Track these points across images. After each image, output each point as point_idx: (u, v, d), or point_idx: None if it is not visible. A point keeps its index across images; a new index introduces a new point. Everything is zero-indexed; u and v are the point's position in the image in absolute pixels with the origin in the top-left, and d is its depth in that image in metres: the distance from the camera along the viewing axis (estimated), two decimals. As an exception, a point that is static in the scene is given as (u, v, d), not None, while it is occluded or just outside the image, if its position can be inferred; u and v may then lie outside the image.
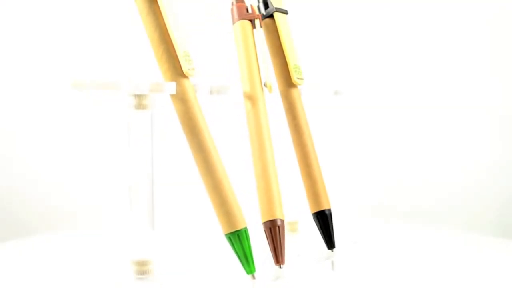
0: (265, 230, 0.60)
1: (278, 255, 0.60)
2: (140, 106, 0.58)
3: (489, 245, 0.83)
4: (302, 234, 0.76)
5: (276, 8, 0.69)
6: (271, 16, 0.69)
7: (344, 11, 1.10)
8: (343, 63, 1.10)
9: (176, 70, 0.58)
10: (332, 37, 1.10)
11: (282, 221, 0.61)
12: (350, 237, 0.74)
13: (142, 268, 0.58)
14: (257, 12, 0.68)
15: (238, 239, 0.57)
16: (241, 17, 0.66)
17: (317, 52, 1.07)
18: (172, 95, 0.58)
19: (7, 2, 1.07)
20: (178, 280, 0.62)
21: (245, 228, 0.57)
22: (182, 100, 0.57)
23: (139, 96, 0.58)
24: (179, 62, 0.58)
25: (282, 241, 0.60)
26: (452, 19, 1.11)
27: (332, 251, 0.66)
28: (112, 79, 0.57)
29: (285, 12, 0.69)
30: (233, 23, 0.67)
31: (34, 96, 1.08)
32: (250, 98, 0.64)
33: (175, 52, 0.58)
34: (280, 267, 0.60)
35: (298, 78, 0.67)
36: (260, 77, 0.65)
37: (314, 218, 0.66)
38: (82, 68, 1.06)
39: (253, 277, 0.58)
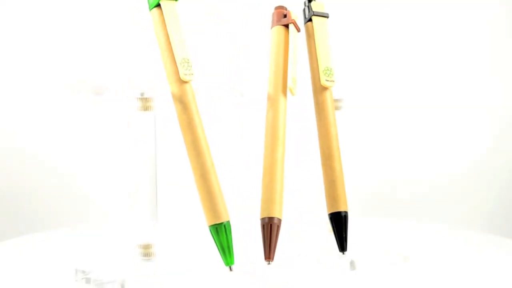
0: (261, 226, 0.62)
1: (267, 252, 0.61)
2: (144, 108, 0.64)
3: (489, 243, 0.83)
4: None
5: (314, 12, 0.71)
6: (310, 20, 0.71)
7: (342, 11, 1.10)
8: (343, 62, 1.10)
9: (176, 74, 0.62)
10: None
11: (279, 220, 0.62)
12: (349, 237, 0.74)
13: (146, 251, 0.65)
14: (292, 17, 0.70)
15: (216, 231, 0.60)
16: (277, 23, 0.70)
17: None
18: (172, 97, 0.62)
19: (18, 4, 1.07)
20: (177, 279, 0.63)
21: (228, 221, 0.61)
22: (180, 102, 0.62)
23: (143, 98, 0.64)
24: None
25: (274, 238, 0.62)
26: (452, 19, 1.11)
27: (343, 253, 0.66)
28: (102, 83, 0.63)
29: (325, 15, 0.71)
30: (271, 28, 0.71)
31: (38, 96, 1.08)
32: (270, 98, 0.67)
33: None
34: (269, 263, 0.61)
35: (327, 80, 0.69)
36: (285, 80, 0.67)
37: (329, 219, 0.67)
38: (80, 69, 1.06)
39: (230, 269, 0.60)
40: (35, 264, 0.73)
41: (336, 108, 0.74)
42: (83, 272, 0.63)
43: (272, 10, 0.72)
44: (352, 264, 0.67)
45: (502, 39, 1.11)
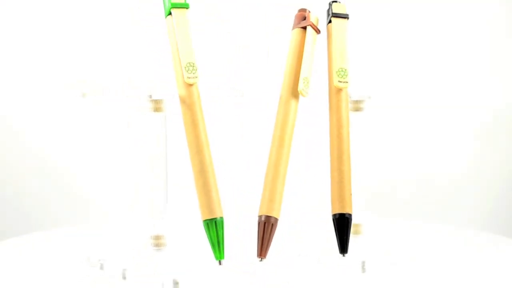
0: (257, 223, 0.63)
1: (259, 248, 0.63)
2: (155, 109, 0.68)
3: (489, 243, 0.83)
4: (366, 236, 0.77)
5: (333, 13, 0.72)
6: (331, 21, 0.72)
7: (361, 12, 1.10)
8: (359, 63, 1.10)
9: (182, 77, 0.65)
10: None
11: (276, 219, 0.63)
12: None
13: (157, 241, 0.69)
14: (310, 19, 0.71)
15: (207, 226, 0.62)
16: (297, 25, 0.71)
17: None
18: (179, 98, 0.65)
19: (21, 4, 1.07)
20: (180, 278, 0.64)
21: (221, 218, 0.63)
22: (184, 102, 0.65)
23: (154, 100, 0.67)
24: None
25: (268, 236, 0.63)
26: (452, 19, 1.11)
27: (343, 255, 0.66)
28: (102, 83, 0.66)
29: (344, 17, 0.72)
30: (291, 30, 0.72)
31: (38, 96, 1.08)
32: (282, 99, 0.68)
33: None
34: (261, 260, 0.63)
35: (339, 82, 0.69)
36: (298, 82, 0.68)
37: (332, 220, 0.67)
38: (81, 70, 1.06)
39: (220, 263, 0.62)
40: (36, 262, 0.74)
41: (358, 109, 0.74)
42: (97, 259, 0.67)
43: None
44: (363, 266, 0.68)
45: (502, 39, 1.12)
